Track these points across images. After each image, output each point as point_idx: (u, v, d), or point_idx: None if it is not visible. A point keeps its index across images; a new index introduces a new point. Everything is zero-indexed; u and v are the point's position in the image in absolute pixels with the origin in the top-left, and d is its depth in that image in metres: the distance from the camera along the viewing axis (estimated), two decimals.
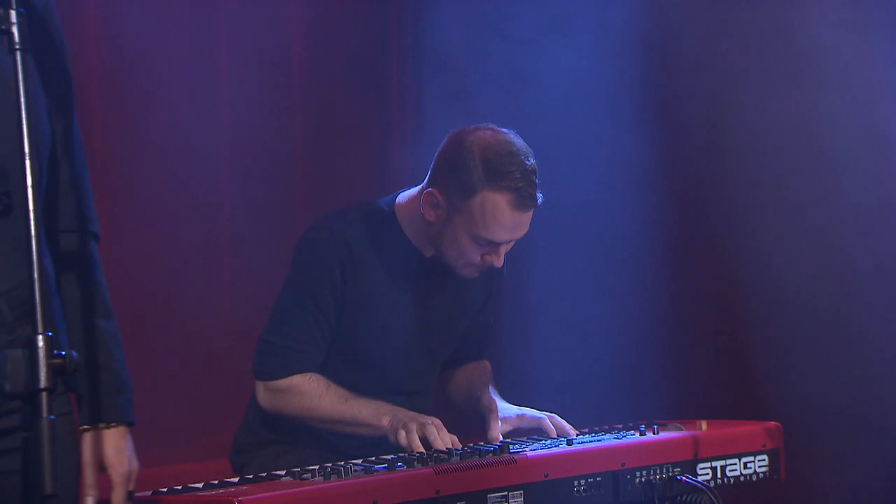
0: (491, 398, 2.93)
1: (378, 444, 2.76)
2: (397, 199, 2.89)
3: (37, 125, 1.92)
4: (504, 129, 2.78)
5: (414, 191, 2.87)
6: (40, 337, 1.60)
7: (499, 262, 2.78)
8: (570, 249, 3.74)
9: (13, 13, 1.68)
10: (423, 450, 2.61)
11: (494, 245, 2.75)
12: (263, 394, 2.83)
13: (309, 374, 2.80)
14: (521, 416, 2.85)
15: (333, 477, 2.27)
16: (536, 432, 2.81)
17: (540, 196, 2.73)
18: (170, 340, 3.57)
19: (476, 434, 2.88)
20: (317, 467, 2.37)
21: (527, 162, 2.72)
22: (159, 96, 3.54)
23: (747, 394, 3.55)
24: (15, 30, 1.69)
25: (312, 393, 2.78)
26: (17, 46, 1.68)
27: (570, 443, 2.61)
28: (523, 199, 2.69)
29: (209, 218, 3.64)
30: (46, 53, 2.01)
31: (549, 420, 2.81)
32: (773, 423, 2.86)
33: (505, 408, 2.89)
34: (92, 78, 3.50)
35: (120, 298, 3.52)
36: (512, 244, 2.80)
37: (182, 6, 3.65)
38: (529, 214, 2.75)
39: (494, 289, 3.03)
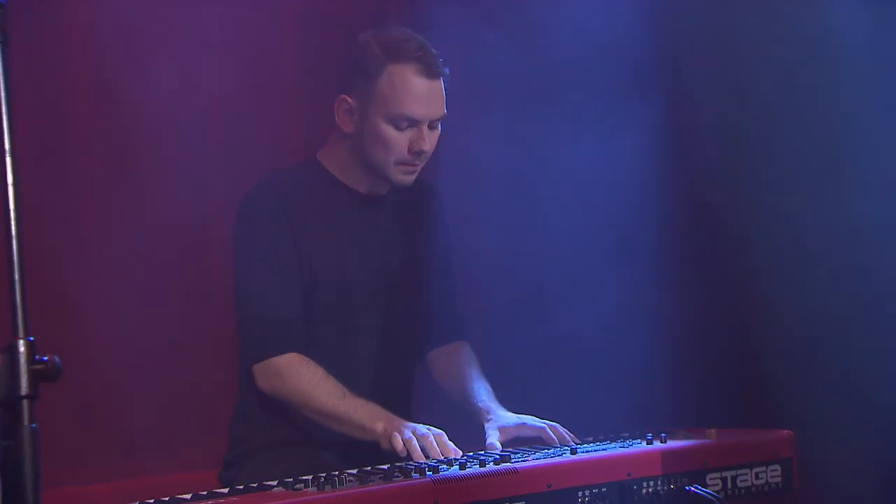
0: (489, 406, 2.94)
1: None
2: (317, 154, 3.01)
3: None
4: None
5: (328, 142, 2.99)
6: (21, 342, 1.60)
7: (426, 145, 2.87)
8: (577, 251, 3.73)
9: None
10: (420, 452, 2.61)
11: (415, 125, 2.85)
12: (261, 377, 2.85)
13: (304, 358, 2.84)
14: (520, 426, 2.85)
15: (327, 487, 2.27)
16: (537, 442, 2.81)
17: (446, 69, 2.88)
18: (156, 345, 3.56)
19: (473, 442, 2.88)
20: (310, 477, 2.37)
21: (422, 40, 2.89)
22: (147, 91, 3.54)
23: (758, 401, 3.54)
24: None
25: (309, 378, 2.81)
26: (0, 39, 1.68)
27: (573, 452, 2.60)
28: (429, 67, 2.85)
29: (200, 221, 3.63)
30: None
31: (551, 430, 2.81)
32: (785, 431, 2.86)
33: (503, 416, 2.90)
34: (77, 76, 3.50)
35: (106, 304, 3.55)
36: (436, 134, 2.90)
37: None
38: (439, 86, 2.88)
39: (440, 236, 3.11)
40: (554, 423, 2.85)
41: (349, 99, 2.88)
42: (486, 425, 2.87)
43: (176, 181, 3.58)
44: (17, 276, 1.62)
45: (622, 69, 3.65)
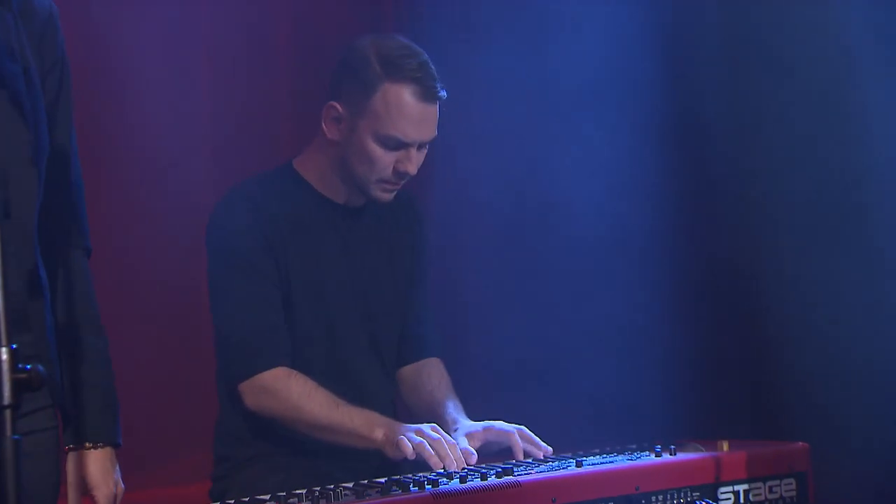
0: (455, 417, 2.95)
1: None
2: (293, 161, 3.00)
3: (36, 137, 2.01)
4: (394, 35, 2.95)
5: (308, 149, 2.99)
6: (4, 350, 1.59)
7: (412, 167, 2.87)
8: (586, 259, 3.74)
9: None
10: (436, 459, 2.61)
11: (404, 147, 2.85)
12: (248, 395, 2.85)
13: (293, 371, 2.83)
14: (487, 429, 2.85)
15: (322, 502, 2.27)
16: (504, 448, 2.81)
17: (443, 92, 2.87)
18: (144, 357, 3.56)
19: None
20: (304, 491, 2.37)
21: (423, 56, 2.87)
22: (136, 87, 3.55)
23: (773, 411, 3.54)
24: None
25: (300, 391, 2.81)
26: None
27: (579, 464, 2.60)
28: (426, 90, 2.83)
29: (188, 230, 3.63)
30: (47, 66, 2.08)
31: (518, 434, 2.82)
32: (800, 443, 2.86)
33: (470, 424, 2.91)
34: None
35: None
36: (423, 154, 2.90)
37: None
38: (434, 110, 2.87)
39: (418, 249, 3.12)
40: (521, 427, 2.85)
41: (339, 107, 2.87)
42: (454, 434, 2.86)
43: (164, 187, 3.59)
44: (0, 283, 1.62)
45: (627, 74, 3.66)
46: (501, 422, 2.87)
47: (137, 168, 3.58)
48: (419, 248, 3.14)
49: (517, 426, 2.85)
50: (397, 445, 2.67)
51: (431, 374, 3.10)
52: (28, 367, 1.61)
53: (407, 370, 3.13)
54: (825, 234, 3.45)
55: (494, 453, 2.84)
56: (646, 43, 3.65)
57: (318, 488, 2.38)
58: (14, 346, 1.61)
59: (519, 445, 2.79)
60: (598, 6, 3.69)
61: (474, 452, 2.74)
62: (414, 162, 2.87)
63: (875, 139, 3.37)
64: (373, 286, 3.01)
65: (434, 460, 2.61)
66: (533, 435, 2.83)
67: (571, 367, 3.77)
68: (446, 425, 2.91)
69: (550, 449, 2.81)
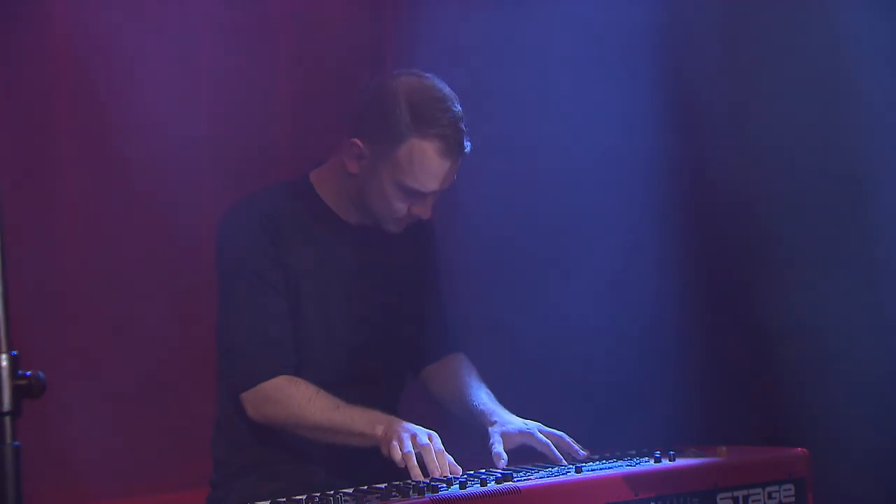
0: (492, 408, 2.95)
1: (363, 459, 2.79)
2: (310, 174, 3.00)
3: None
4: (428, 75, 2.90)
5: (326, 164, 2.98)
6: (4, 356, 1.60)
7: (426, 213, 2.88)
8: (586, 260, 3.74)
9: None
10: (418, 470, 2.62)
11: (422, 195, 2.85)
12: (250, 405, 2.85)
13: (294, 378, 2.84)
14: (526, 434, 2.85)
15: None
16: (540, 457, 2.82)
17: (468, 144, 2.85)
18: (141, 362, 3.57)
19: (476, 450, 2.87)
20: (303, 497, 2.37)
21: (454, 108, 2.84)
22: (134, 90, 3.56)
23: (772, 417, 3.55)
24: None
25: (301, 397, 2.81)
26: None
27: (578, 470, 2.61)
28: (451, 148, 2.82)
29: (187, 236, 3.64)
30: None
31: (558, 442, 2.83)
32: (799, 448, 2.86)
33: (508, 420, 2.91)
34: (60, 74, 3.51)
35: (90, 319, 3.55)
36: (438, 193, 2.89)
37: None
38: (457, 163, 2.87)
39: (429, 259, 3.12)
40: (560, 434, 2.86)
41: (362, 146, 2.86)
42: (491, 429, 2.88)
43: (163, 195, 3.60)
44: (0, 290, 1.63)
45: (628, 76, 3.67)
46: (540, 427, 2.87)
47: (139, 172, 3.59)
48: (431, 252, 3.14)
49: (557, 433, 2.86)
50: (390, 450, 2.68)
51: (457, 368, 3.12)
52: (28, 373, 1.61)
53: (432, 368, 3.15)
54: (826, 237, 3.45)
55: (529, 449, 2.85)
56: (645, 41, 3.65)
57: (318, 494, 2.39)
58: (14, 352, 1.61)
59: (556, 459, 2.79)
60: (595, 14, 3.70)
61: (459, 469, 2.72)
62: (429, 206, 2.89)
63: (878, 143, 3.38)
64: (382, 300, 3.01)
65: (415, 472, 2.62)
66: (573, 442, 2.84)
67: (569, 373, 3.77)
68: (482, 417, 2.93)
69: (585, 453, 2.83)
